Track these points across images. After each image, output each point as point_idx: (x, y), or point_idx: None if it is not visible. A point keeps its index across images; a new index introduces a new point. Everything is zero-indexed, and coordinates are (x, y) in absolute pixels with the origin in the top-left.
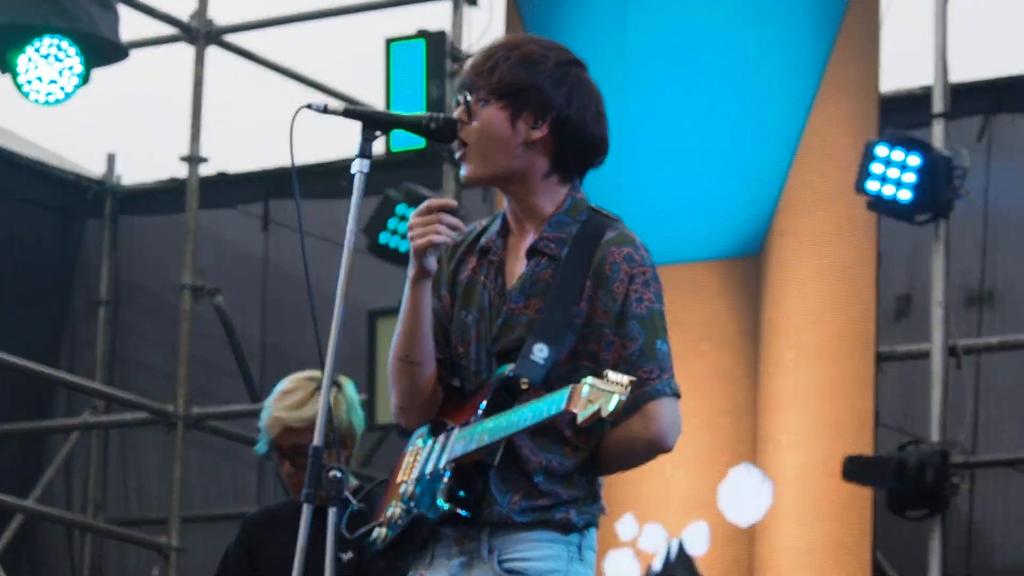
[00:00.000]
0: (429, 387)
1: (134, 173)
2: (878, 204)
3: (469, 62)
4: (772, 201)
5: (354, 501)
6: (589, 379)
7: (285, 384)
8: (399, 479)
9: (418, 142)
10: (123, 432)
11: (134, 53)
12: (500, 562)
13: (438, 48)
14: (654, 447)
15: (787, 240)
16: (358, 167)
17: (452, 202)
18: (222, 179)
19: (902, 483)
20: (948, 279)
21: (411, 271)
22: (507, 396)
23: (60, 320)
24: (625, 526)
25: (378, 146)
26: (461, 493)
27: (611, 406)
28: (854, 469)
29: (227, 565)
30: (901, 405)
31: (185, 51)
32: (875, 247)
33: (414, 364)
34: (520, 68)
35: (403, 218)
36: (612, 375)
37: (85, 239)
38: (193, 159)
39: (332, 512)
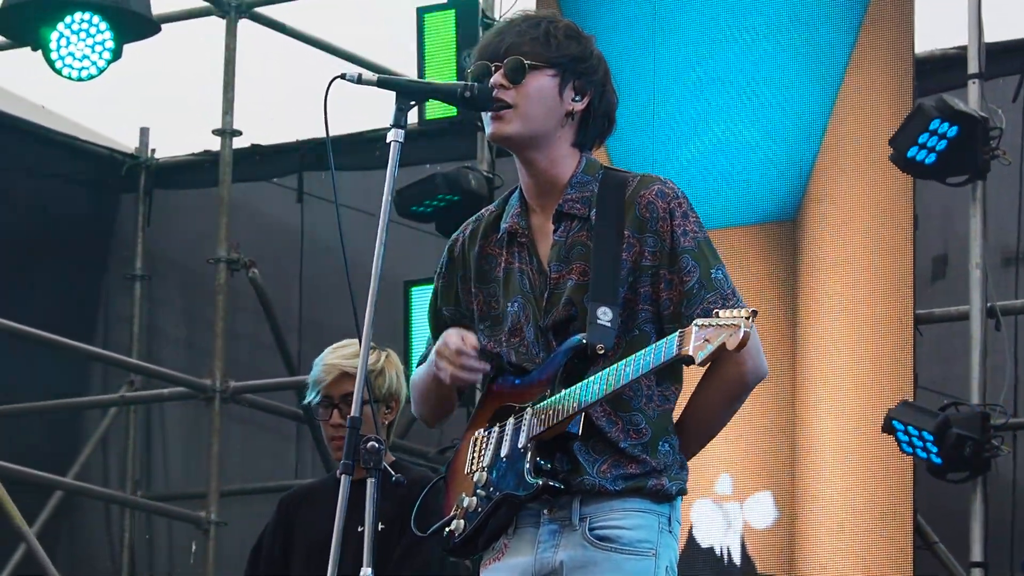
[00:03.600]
0: (452, 408)
1: (168, 147)
2: (902, 160)
3: (502, 26)
4: (807, 166)
5: (392, 472)
6: (698, 321)
7: (337, 344)
8: (466, 471)
9: (451, 111)
10: (160, 407)
11: (166, 27)
12: (591, 529)
13: (469, 17)
14: (754, 376)
15: (823, 204)
16: (393, 137)
17: (474, 343)
18: (256, 151)
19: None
20: (985, 240)
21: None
22: (581, 363)
23: (95, 296)
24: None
25: (411, 116)
26: (548, 466)
27: (738, 338)
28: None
29: (263, 542)
30: (940, 368)
31: (217, 24)
32: (911, 209)
33: (438, 416)
34: (571, 42)
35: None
36: (723, 313)
37: (119, 214)
38: (226, 132)
39: (370, 483)
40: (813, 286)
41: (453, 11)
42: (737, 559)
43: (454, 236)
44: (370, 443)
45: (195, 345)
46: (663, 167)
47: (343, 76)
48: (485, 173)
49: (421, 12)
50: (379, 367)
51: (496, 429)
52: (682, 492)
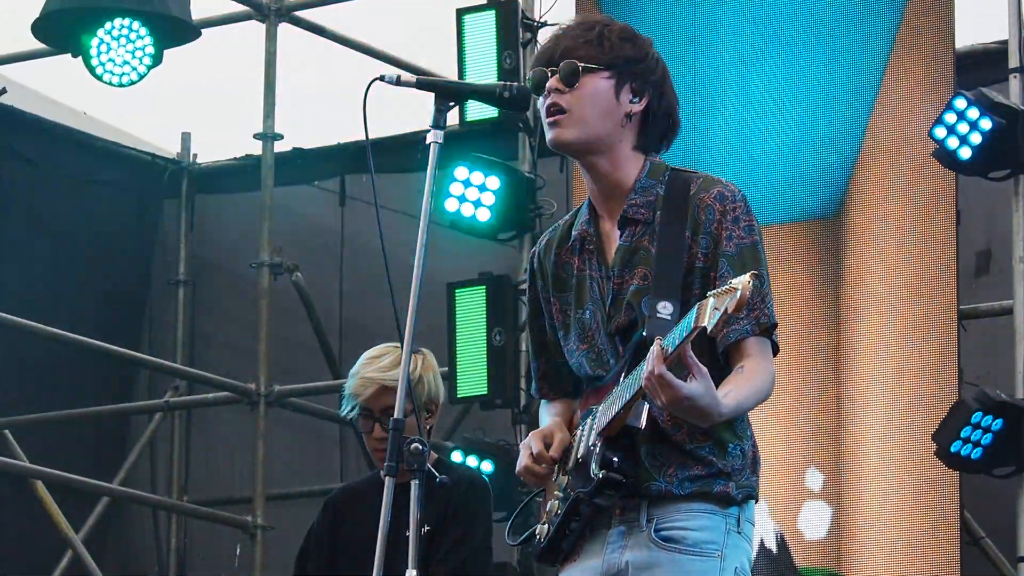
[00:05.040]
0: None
1: (209, 152)
2: (942, 155)
3: (558, 32)
4: (849, 163)
5: (436, 473)
6: (711, 292)
7: (371, 352)
8: (554, 478)
9: (492, 112)
10: (205, 412)
11: (205, 32)
12: (657, 530)
13: (509, 17)
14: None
15: (865, 201)
16: (432, 138)
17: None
18: (297, 155)
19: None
20: None
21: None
22: (643, 358)
23: (140, 301)
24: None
25: (452, 117)
26: (615, 459)
27: (735, 300)
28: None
29: (309, 544)
30: (984, 362)
31: (256, 28)
32: (954, 205)
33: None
34: (626, 43)
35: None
36: (733, 280)
37: (162, 219)
38: (267, 136)
39: (414, 485)
40: (856, 284)
41: (493, 11)
42: (774, 548)
43: (533, 249)
44: (413, 445)
45: (239, 349)
46: (710, 166)
47: (382, 78)
48: (527, 174)
49: (461, 13)
50: (417, 375)
51: (577, 432)
52: (751, 497)
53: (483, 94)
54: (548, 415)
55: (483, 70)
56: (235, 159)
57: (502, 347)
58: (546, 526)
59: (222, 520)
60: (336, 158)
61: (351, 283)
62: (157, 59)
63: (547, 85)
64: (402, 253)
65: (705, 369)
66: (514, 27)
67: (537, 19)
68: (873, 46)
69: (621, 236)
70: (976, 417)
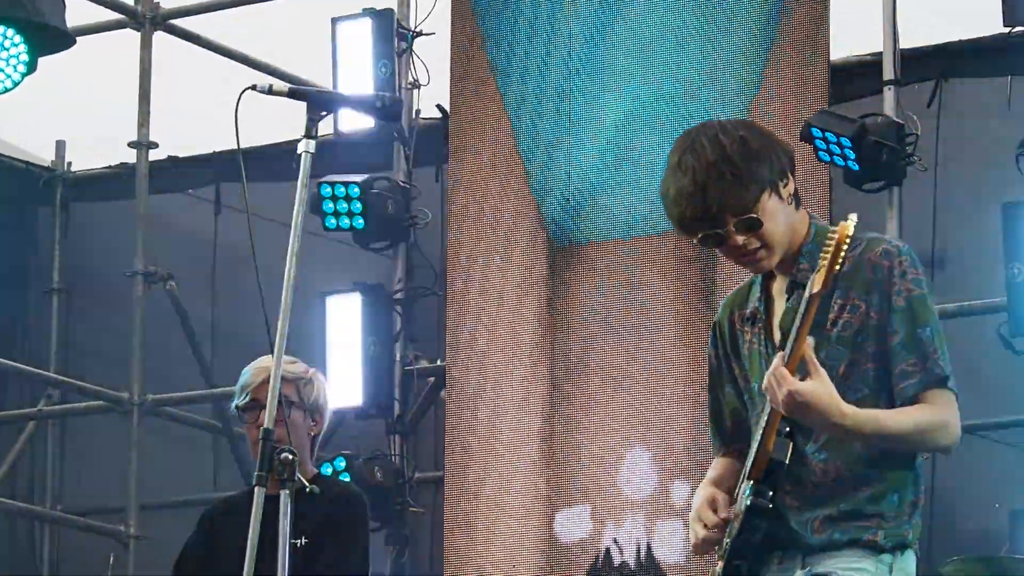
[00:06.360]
0: None
1: (84, 160)
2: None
3: (690, 191)
4: None
5: (306, 483)
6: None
7: (263, 357)
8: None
9: (368, 122)
10: (79, 420)
11: (81, 40)
12: (812, 574)
13: (385, 26)
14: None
15: None
16: (304, 147)
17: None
18: (172, 163)
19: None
20: None
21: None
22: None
23: (14, 309)
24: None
25: (328, 127)
26: (761, 494)
27: (830, 251)
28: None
29: (186, 557)
30: None
31: (132, 37)
32: (828, 215)
33: None
34: (757, 160)
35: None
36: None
37: (37, 227)
38: (142, 144)
39: (284, 494)
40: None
41: (368, 20)
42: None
43: (716, 318)
44: (284, 454)
45: (113, 357)
46: (584, 178)
47: (254, 87)
48: (402, 183)
49: (335, 22)
50: (308, 376)
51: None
52: (902, 545)
53: (356, 104)
54: (713, 471)
55: (358, 79)
56: (110, 167)
57: (376, 357)
58: None
59: (95, 529)
60: (211, 166)
61: (225, 292)
62: (31, 67)
63: (730, 242)
64: (277, 262)
65: (824, 371)
66: (389, 36)
67: (412, 28)
68: (748, 57)
69: (788, 300)
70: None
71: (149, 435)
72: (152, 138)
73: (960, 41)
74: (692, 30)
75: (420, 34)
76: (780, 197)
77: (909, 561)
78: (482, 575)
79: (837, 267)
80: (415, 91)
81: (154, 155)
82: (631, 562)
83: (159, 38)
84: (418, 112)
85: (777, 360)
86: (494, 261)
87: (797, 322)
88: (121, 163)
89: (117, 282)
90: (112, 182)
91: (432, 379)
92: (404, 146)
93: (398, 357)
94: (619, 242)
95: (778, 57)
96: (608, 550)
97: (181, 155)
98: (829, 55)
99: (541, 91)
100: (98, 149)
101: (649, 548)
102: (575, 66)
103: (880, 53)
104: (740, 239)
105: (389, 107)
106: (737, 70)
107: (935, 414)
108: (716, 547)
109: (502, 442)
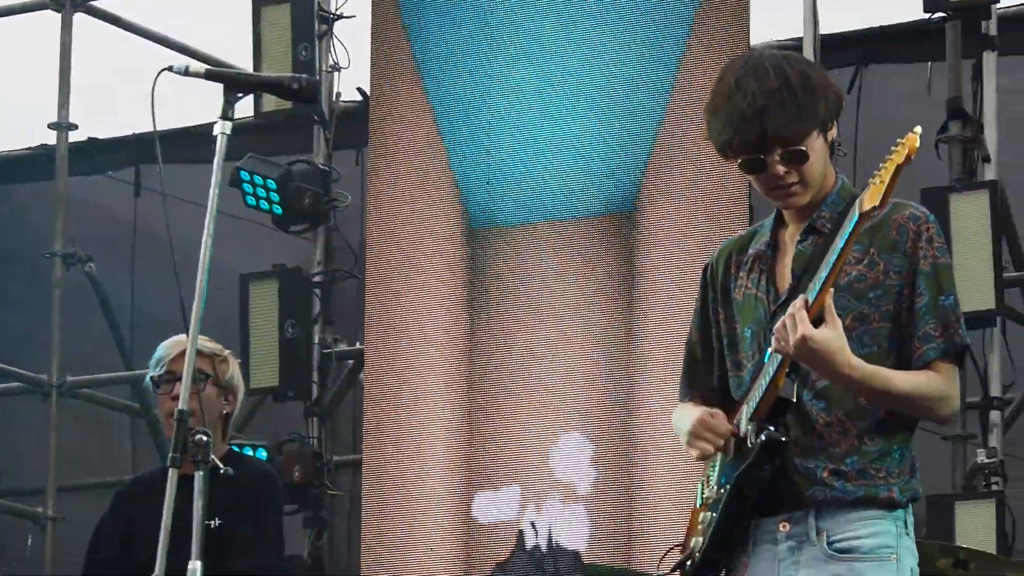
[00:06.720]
0: None
1: (4, 141)
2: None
3: (746, 110)
4: (643, 160)
5: (220, 465)
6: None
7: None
8: (699, 506)
9: (287, 104)
10: None
11: (0, 20)
12: (830, 543)
13: (306, 10)
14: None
15: (659, 198)
16: (220, 128)
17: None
18: (92, 145)
19: None
20: None
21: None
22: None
23: None
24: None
25: (248, 109)
26: (771, 427)
27: (894, 162)
28: None
29: (100, 535)
30: None
31: (52, 18)
32: (747, 204)
33: None
34: (815, 97)
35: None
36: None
37: None
38: (62, 126)
39: (198, 476)
40: (649, 281)
41: (289, 4)
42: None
43: (709, 260)
44: (198, 436)
45: (32, 339)
46: (503, 163)
47: (171, 68)
48: (321, 166)
49: (257, 5)
50: (224, 355)
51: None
52: (914, 499)
53: (272, 86)
54: (683, 410)
55: (279, 62)
56: (29, 148)
57: (294, 339)
58: (700, 538)
59: (12, 511)
60: (131, 148)
61: (144, 274)
62: None
63: (770, 170)
64: (196, 244)
65: (839, 320)
66: (310, 19)
67: (333, 12)
68: (666, 42)
69: (801, 243)
70: None
71: (67, 417)
72: (72, 119)
73: (881, 27)
74: (612, 11)
75: (340, 17)
76: (825, 140)
77: (911, 516)
78: (400, 559)
79: (895, 183)
80: (335, 74)
81: (74, 137)
82: (543, 545)
83: (79, 19)
84: (338, 95)
85: (799, 301)
86: (414, 244)
87: (838, 242)
88: (41, 144)
89: (37, 263)
90: (31, 164)
91: (351, 362)
92: (324, 129)
93: (317, 340)
94: (539, 225)
95: (697, 42)
96: (522, 532)
97: (101, 137)
98: (749, 41)
99: (462, 74)
100: (18, 130)
101: (558, 531)
102: (496, 49)
103: (800, 38)
104: (781, 169)
105: (304, 89)
106: (658, 51)
107: (942, 383)
108: (716, 443)
109: (421, 425)
